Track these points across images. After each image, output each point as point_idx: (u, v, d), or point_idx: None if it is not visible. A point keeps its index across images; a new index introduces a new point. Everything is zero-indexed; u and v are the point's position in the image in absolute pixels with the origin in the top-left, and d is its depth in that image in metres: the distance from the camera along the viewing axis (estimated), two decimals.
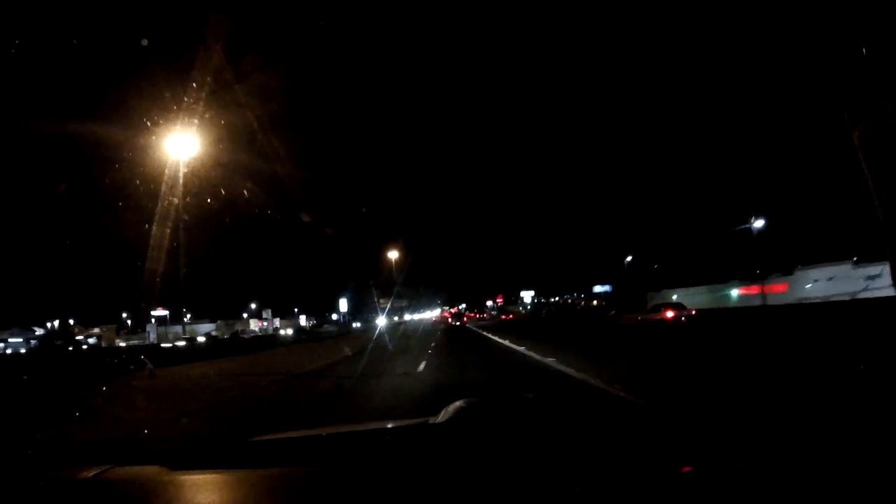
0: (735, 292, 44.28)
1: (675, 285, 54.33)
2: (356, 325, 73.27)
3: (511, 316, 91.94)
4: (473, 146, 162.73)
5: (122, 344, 58.79)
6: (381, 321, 53.90)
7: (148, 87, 15.29)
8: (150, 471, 1.54)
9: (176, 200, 16.80)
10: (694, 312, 27.44)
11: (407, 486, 1.37)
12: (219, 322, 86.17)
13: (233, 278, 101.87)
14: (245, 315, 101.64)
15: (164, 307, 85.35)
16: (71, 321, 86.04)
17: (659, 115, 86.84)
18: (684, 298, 48.59)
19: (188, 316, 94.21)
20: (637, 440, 1.66)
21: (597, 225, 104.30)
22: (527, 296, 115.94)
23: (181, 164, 16.54)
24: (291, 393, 10.84)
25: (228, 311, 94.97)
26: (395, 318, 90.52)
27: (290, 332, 74.45)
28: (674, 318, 26.22)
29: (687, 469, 1.38)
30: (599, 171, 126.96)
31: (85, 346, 39.99)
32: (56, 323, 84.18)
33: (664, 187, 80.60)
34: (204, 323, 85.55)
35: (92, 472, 1.52)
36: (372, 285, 69.50)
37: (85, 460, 1.62)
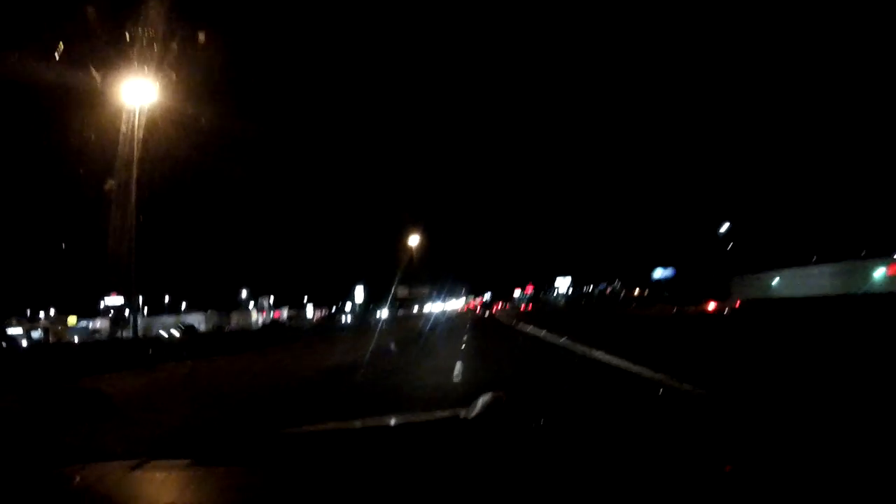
0: (880, 272, 31.28)
1: (775, 265, 41.47)
2: (346, 318, 60.04)
3: (530, 306, 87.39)
4: (497, 114, 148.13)
5: (76, 339, 48.57)
6: (384, 314, 43.36)
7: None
8: (182, 465, 1.57)
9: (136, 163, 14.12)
10: (738, 304, 25.38)
11: (434, 481, 1.37)
12: (209, 312, 75.69)
13: (234, 264, 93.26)
14: (251, 305, 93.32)
15: (146, 294, 76.65)
16: (52, 311, 77.50)
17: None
18: (794, 283, 36.20)
19: (184, 305, 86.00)
20: (684, 437, 1.59)
21: (658, 192, 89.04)
22: (563, 284, 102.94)
23: (137, 111, 13.86)
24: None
25: (229, 300, 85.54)
26: (415, 309, 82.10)
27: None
28: (716, 310, 24.78)
29: (729, 468, 1.36)
30: (655, 124, 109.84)
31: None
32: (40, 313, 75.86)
33: (751, 134, 65.23)
34: (194, 313, 75.71)
35: (126, 466, 1.56)
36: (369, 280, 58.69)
37: (120, 455, 1.71)
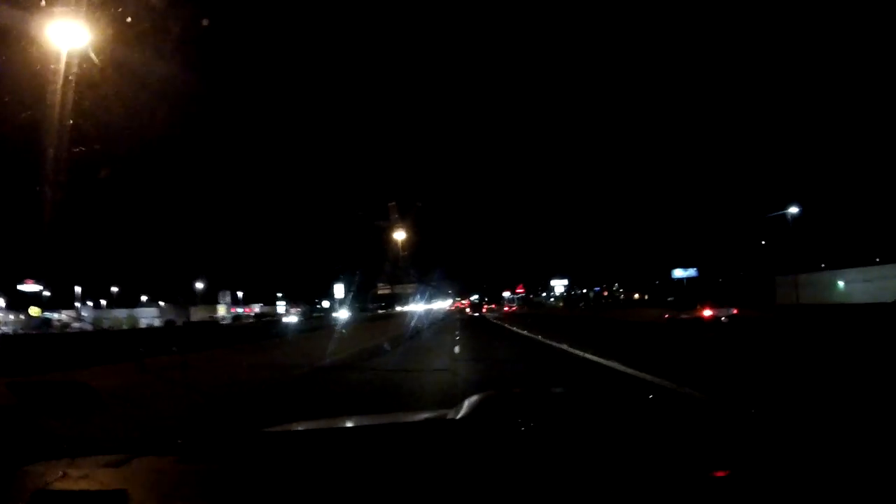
0: None
1: (836, 264, 34.46)
2: (289, 318, 49.84)
3: (514, 308, 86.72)
4: (490, 103, 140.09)
5: None
6: (344, 314, 36.64)
7: None
8: (166, 462, 1.59)
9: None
10: (736, 311, 23.50)
11: (416, 484, 1.34)
12: (164, 306, 68.06)
13: (200, 255, 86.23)
14: (223, 299, 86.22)
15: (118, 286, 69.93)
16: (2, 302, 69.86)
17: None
18: (865, 285, 29.48)
19: (144, 298, 78.32)
20: (681, 439, 1.57)
21: (670, 184, 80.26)
22: (559, 285, 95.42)
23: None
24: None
25: (196, 294, 77.72)
26: (397, 308, 75.69)
27: None
28: (712, 317, 23.02)
29: (720, 473, 1.34)
30: (665, 110, 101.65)
31: None
32: None
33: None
34: (151, 307, 68.22)
35: (108, 462, 1.55)
36: (350, 275, 52.33)
37: (105, 450, 1.67)
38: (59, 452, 1.63)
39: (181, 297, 71.00)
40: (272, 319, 52.46)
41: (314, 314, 59.43)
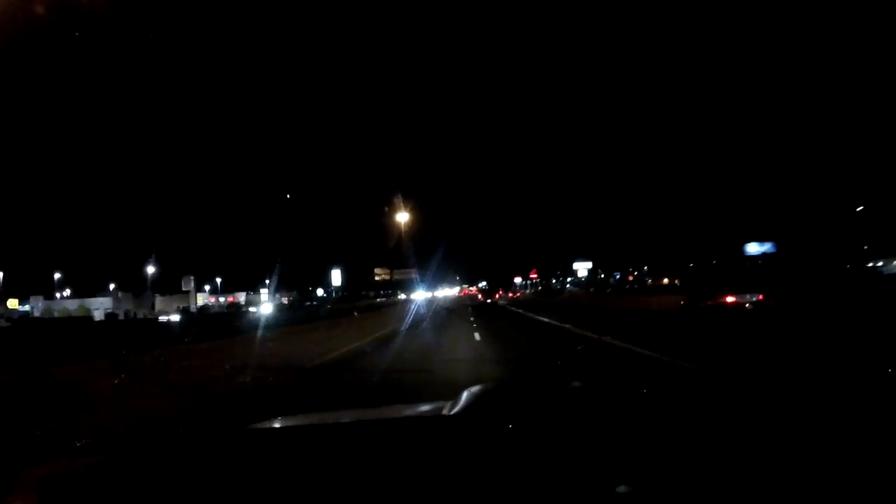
0: None
1: None
2: (170, 316, 38.73)
3: (518, 294, 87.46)
4: (499, 71, 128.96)
5: None
6: (267, 308, 29.12)
7: None
8: (146, 462, 1.59)
9: None
10: (761, 297, 20.47)
11: (406, 484, 1.33)
12: (122, 295, 59.73)
13: (165, 236, 78.82)
14: (207, 287, 78.63)
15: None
16: None
17: None
18: None
19: (112, 286, 70.23)
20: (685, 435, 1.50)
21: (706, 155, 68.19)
22: (582, 268, 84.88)
23: None
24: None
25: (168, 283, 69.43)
26: (402, 295, 68.61)
27: None
28: (735, 304, 20.67)
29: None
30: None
31: None
32: None
33: None
34: (102, 296, 59.72)
35: (86, 463, 1.57)
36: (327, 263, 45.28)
37: (85, 451, 1.69)
38: (55, 453, 1.64)
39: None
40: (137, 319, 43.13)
41: (242, 309, 49.48)
